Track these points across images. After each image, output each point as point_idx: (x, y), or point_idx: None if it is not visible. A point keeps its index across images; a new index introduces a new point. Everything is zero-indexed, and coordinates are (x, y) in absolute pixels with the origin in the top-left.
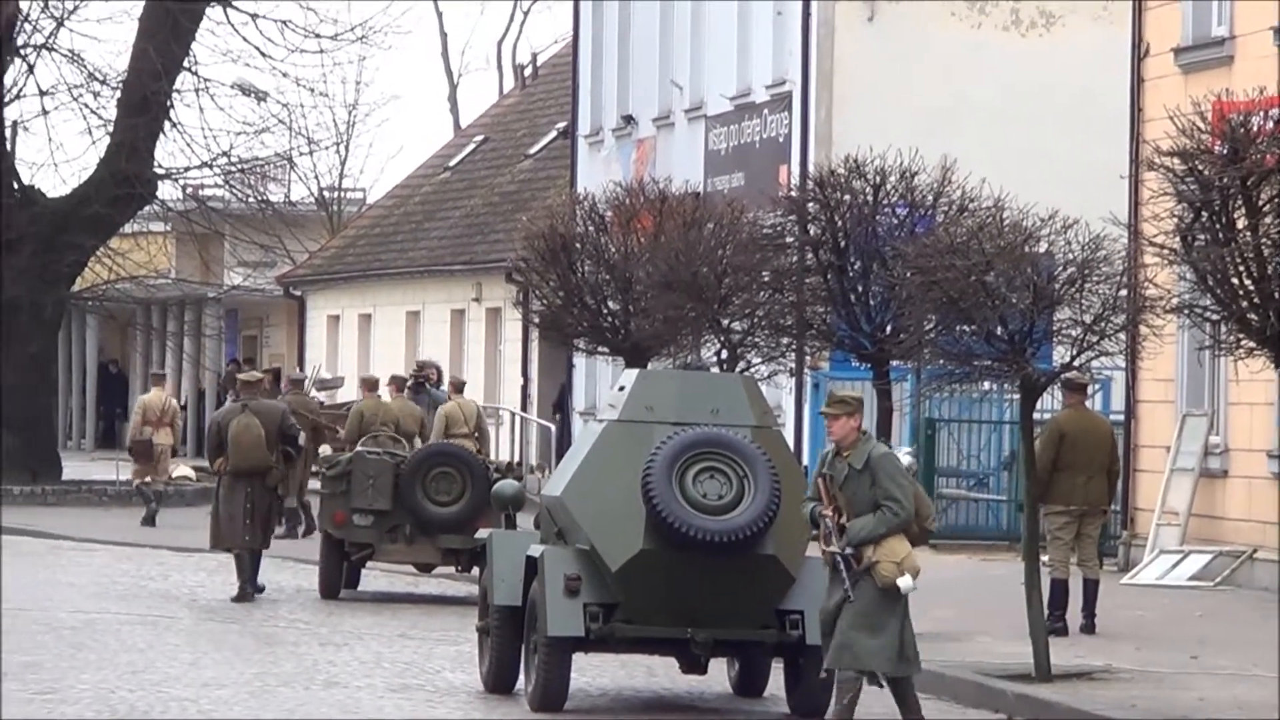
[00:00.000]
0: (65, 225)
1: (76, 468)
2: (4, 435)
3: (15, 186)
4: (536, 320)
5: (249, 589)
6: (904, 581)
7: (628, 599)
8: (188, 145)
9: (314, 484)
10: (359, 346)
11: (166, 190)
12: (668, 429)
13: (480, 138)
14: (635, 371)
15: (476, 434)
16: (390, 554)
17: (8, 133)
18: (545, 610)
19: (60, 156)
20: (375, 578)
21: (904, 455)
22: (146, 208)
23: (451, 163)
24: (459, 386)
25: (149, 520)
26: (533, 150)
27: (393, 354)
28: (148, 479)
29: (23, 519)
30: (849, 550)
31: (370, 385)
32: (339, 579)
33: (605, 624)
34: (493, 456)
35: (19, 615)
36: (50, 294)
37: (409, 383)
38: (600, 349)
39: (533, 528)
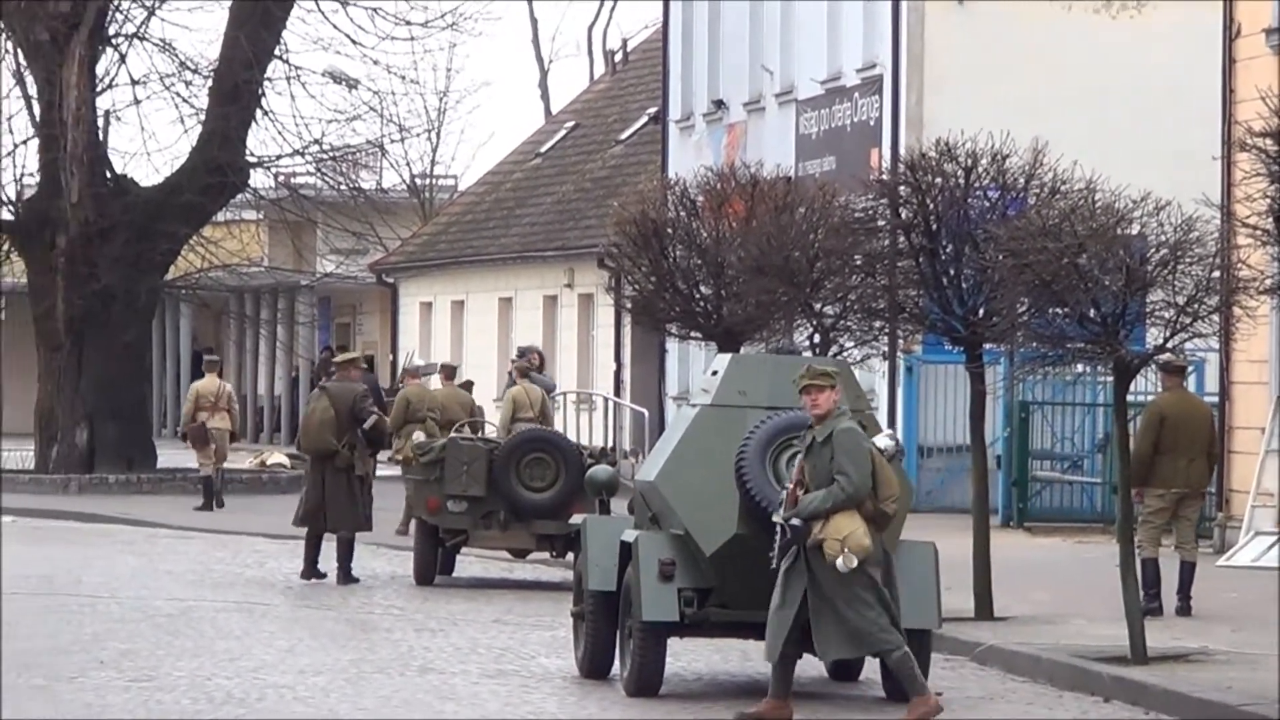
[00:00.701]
0: (158, 214)
1: (171, 456)
2: (99, 424)
3: (108, 176)
4: (629, 305)
5: (346, 572)
6: (840, 562)
7: (722, 583)
8: (279, 133)
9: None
10: (452, 333)
11: (259, 178)
12: (761, 413)
13: (571, 124)
14: (728, 356)
15: (541, 419)
16: (485, 540)
17: (100, 122)
18: (640, 595)
19: (153, 145)
20: (470, 563)
21: (883, 439)
22: (239, 196)
23: (543, 149)
24: (525, 372)
25: (207, 506)
26: (624, 136)
27: (486, 341)
28: (206, 464)
29: (119, 507)
30: (795, 521)
31: (413, 374)
32: (434, 565)
33: (700, 608)
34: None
35: (116, 603)
36: (144, 282)
37: (510, 369)
38: (692, 334)
39: (626, 513)
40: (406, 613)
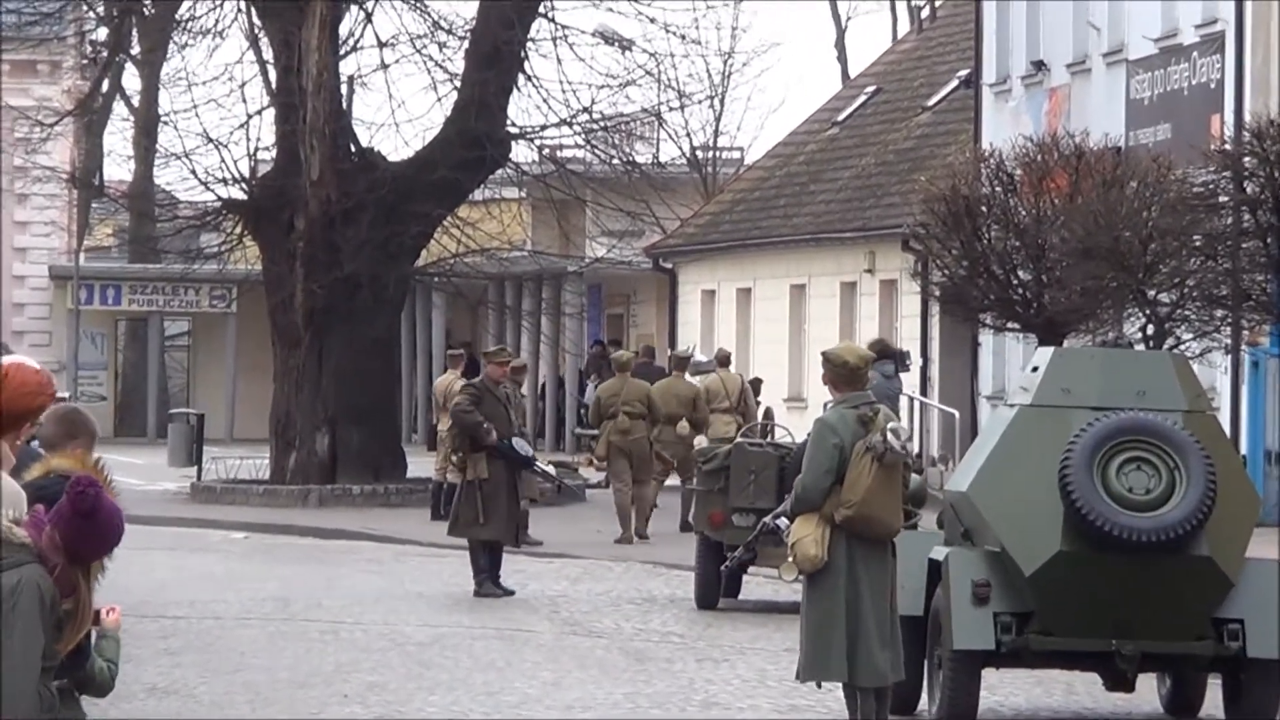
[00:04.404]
0: (409, 192)
1: (422, 464)
2: (342, 428)
3: (353, 149)
4: (937, 293)
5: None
6: (781, 570)
7: (1044, 607)
8: (544, 101)
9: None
10: (737, 324)
11: (521, 152)
12: (1087, 414)
13: (872, 89)
14: (1050, 350)
15: (741, 408)
16: (775, 558)
17: (344, 89)
18: (951, 620)
19: (402, 115)
20: (758, 585)
21: (876, 436)
22: (499, 171)
23: (840, 117)
24: (724, 360)
25: (434, 515)
26: (931, 102)
27: (775, 332)
28: (438, 469)
29: (363, 521)
30: (781, 521)
31: (622, 366)
32: (717, 587)
33: (1018, 635)
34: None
35: (361, 629)
36: (393, 269)
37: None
38: (1010, 324)
39: (935, 527)
40: (687, 640)
